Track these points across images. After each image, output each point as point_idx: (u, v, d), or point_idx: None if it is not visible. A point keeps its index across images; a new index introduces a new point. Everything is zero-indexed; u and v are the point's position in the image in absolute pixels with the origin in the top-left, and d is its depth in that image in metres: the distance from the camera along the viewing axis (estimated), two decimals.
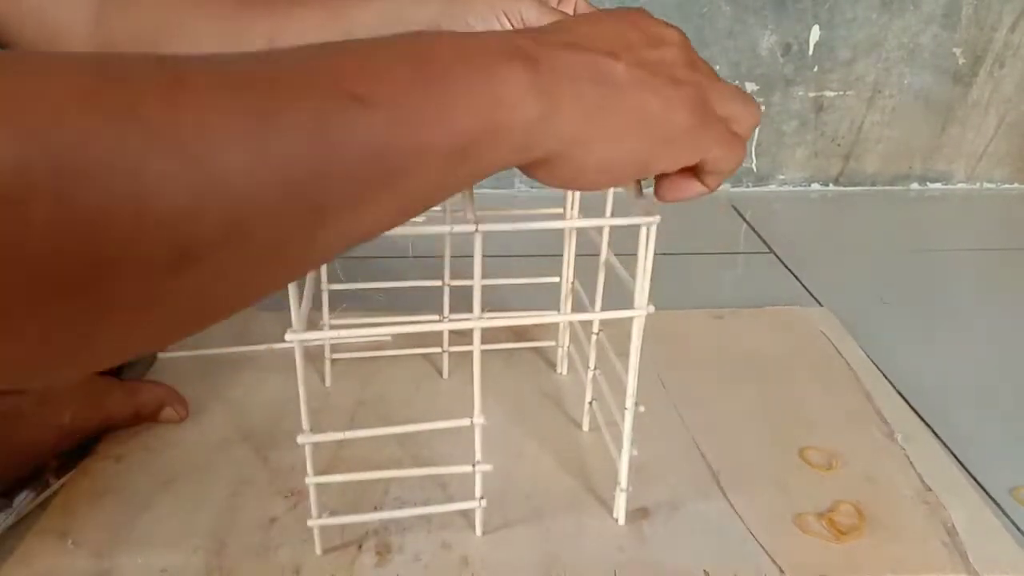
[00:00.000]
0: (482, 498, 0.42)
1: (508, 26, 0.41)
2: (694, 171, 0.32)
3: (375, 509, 0.44)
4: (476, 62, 0.25)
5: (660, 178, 0.33)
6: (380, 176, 0.23)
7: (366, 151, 0.22)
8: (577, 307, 0.54)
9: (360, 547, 0.42)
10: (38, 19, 0.44)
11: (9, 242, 0.17)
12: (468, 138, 0.24)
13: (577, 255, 0.53)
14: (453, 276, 0.54)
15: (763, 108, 1.00)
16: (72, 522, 0.43)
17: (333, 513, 0.42)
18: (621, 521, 0.44)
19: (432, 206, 0.27)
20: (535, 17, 0.41)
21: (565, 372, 0.58)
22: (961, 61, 1.00)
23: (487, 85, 0.25)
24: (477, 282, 0.36)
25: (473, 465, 0.41)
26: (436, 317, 0.57)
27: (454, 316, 0.55)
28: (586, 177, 0.29)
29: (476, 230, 0.34)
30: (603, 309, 0.47)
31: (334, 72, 0.23)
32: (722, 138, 0.30)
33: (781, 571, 0.41)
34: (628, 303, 0.39)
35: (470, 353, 0.38)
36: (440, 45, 0.25)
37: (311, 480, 0.39)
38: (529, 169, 0.29)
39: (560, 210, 0.52)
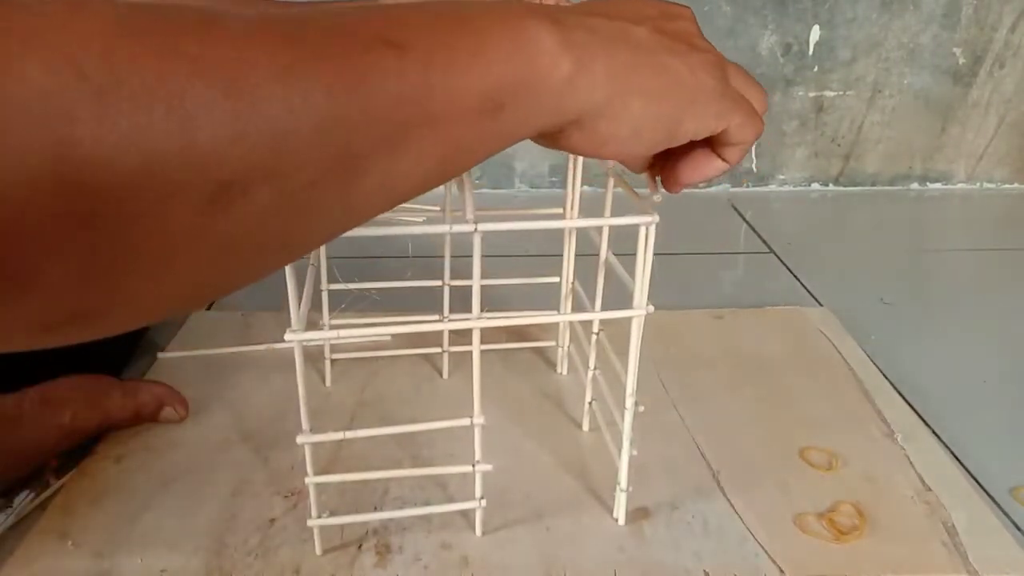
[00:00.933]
0: (482, 498, 0.42)
1: None
2: (712, 147, 0.32)
3: (375, 509, 0.44)
4: (505, 19, 0.25)
5: (678, 160, 0.33)
6: (413, 121, 0.23)
7: (400, 94, 0.23)
8: (577, 307, 0.54)
9: (360, 547, 0.42)
10: None
11: (48, 166, 0.17)
12: (501, 88, 0.25)
13: (577, 255, 0.53)
14: (453, 276, 0.54)
15: None
16: (72, 522, 0.43)
17: (333, 513, 0.42)
18: (621, 521, 0.44)
19: (467, 169, 0.27)
20: None
21: (565, 372, 0.58)
22: (961, 61, 1.00)
23: (519, 38, 0.25)
24: (477, 282, 0.36)
25: (473, 465, 0.41)
26: (436, 317, 0.57)
27: (454, 316, 0.55)
28: (618, 140, 0.29)
29: (476, 230, 0.34)
30: (603, 309, 0.47)
31: (366, 21, 0.23)
32: (742, 104, 0.31)
33: (781, 571, 0.41)
34: (628, 303, 0.39)
35: (470, 353, 0.38)
36: (468, 3, 0.26)
37: (311, 480, 0.39)
38: (562, 135, 0.28)
39: (560, 210, 0.52)
